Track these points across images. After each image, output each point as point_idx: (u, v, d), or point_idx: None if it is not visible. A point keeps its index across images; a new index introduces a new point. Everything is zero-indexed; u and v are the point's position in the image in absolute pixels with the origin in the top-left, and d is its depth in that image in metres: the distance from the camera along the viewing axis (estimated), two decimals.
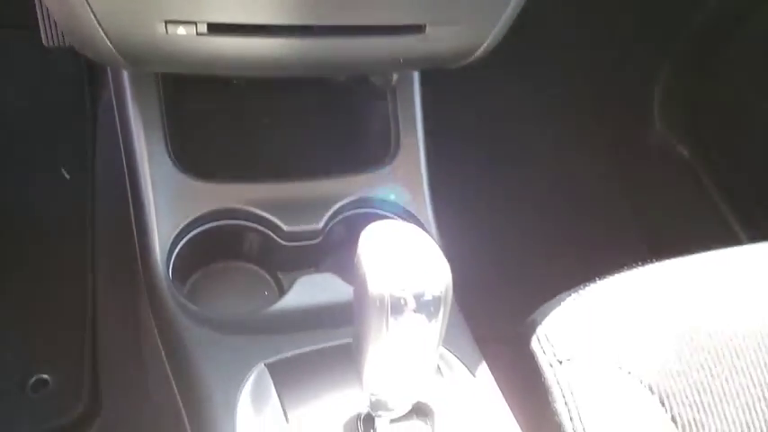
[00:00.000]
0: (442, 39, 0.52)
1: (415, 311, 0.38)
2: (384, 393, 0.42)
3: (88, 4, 0.43)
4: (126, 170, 0.62)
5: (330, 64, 0.53)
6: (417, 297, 0.38)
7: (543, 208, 1.23)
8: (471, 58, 0.56)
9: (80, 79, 1.02)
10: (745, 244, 0.75)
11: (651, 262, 0.69)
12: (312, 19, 0.47)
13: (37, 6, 0.88)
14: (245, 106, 0.66)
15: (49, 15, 0.83)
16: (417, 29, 0.51)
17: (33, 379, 0.88)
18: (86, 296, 0.93)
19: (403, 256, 0.38)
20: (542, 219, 1.22)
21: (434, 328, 0.39)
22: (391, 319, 0.38)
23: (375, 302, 0.37)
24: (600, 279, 0.66)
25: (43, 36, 0.89)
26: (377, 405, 0.43)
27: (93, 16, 0.43)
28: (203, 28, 0.45)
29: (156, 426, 0.69)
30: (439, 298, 0.38)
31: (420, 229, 0.40)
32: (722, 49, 1.28)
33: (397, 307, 0.37)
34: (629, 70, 1.38)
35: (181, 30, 0.45)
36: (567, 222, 1.24)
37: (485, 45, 0.55)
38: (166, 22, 0.44)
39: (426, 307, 0.38)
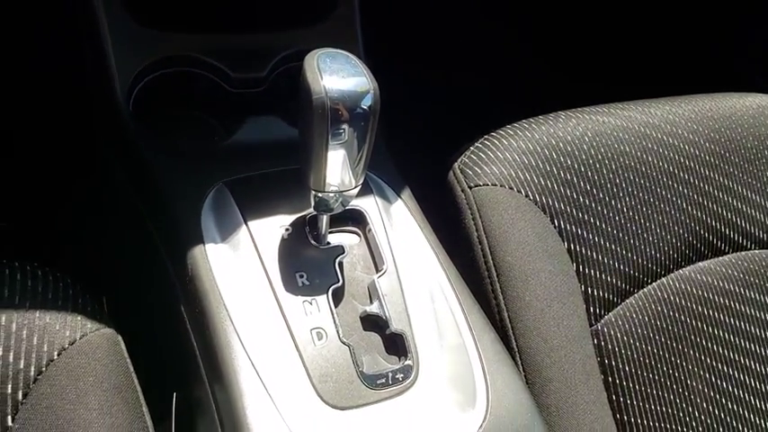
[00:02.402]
0: None
1: (349, 123, 0.47)
2: (325, 193, 0.52)
3: None
4: (83, 19, 0.66)
5: None
6: (351, 109, 0.47)
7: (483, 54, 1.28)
8: None
9: None
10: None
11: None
12: None
13: None
14: None
15: None
16: None
17: None
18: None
19: (339, 76, 0.47)
20: (491, 68, 1.27)
21: (366, 136, 0.49)
22: (331, 127, 0.47)
23: (318, 112, 0.46)
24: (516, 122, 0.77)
25: None
26: (319, 204, 0.53)
27: None
28: None
29: (127, 260, 0.78)
30: (369, 110, 0.47)
31: (354, 56, 0.49)
32: None
33: (335, 116, 0.47)
34: None
35: None
36: (514, 72, 1.30)
37: None
38: None
39: (359, 118, 0.47)
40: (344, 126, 0.47)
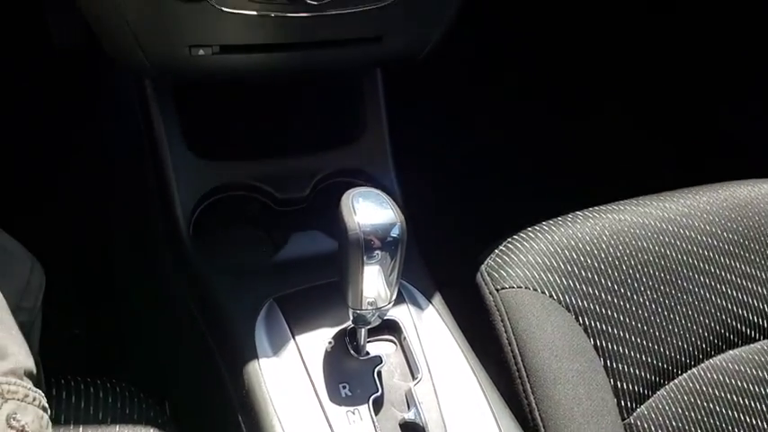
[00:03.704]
0: (395, 45, 0.68)
1: (380, 249, 0.55)
2: (362, 310, 0.58)
3: (134, 33, 0.58)
4: (151, 156, 0.77)
5: (311, 69, 0.68)
6: (382, 239, 0.54)
7: (496, 163, 1.38)
8: (418, 58, 0.72)
9: (82, 69, 1.15)
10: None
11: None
12: (296, 38, 0.62)
13: (48, 13, 1.02)
14: (243, 98, 0.81)
15: (59, 21, 0.97)
16: (377, 40, 0.67)
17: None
18: (103, 262, 1.07)
19: (371, 212, 0.55)
20: (495, 173, 1.37)
21: (395, 260, 0.56)
22: (365, 256, 0.54)
23: (353, 244, 0.54)
24: (536, 224, 0.83)
25: (55, 38, 1.03)
26: (357, 319, 0.59)
27: (136, 42, 0.58)
28: (217, 49, 0.60)
29: (184, 364, 0.85)
30: (397, 239, 0.55)
31: (383, 192, 0.57)
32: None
33: (368, 247, 0.54)
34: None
35: (200, 51, 0.60)
36: (526, 170, 1.40)
37: (428, 48, 0.71)
38: (190, 46, 0.59)
39: (388, 246, 0.55)
40: (377, 252, 0.55)
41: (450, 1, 0.67)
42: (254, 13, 0.58)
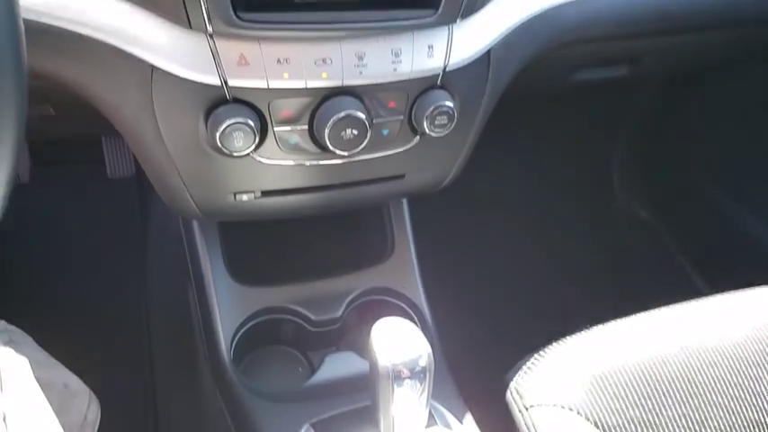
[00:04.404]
0: (417, 180, 0.75)
1: (410, 378, 0.58)
2: None
3: (185, 184, 0.65)
4: (194, 282, 0.83)
5: (343, 205, 0.75)
6: (411, 369, 0.58)
7: (523, 275, 1.43)
8: (439, 188, 0.79)
9: (133, 199, 1.25)
10: (706, 293, 0.94)
11: (618, 316, 0.89)
12: (328, 181, 0.69)
13: (104, 148, 1.13)
14: (279, 228, 0.88)
15: (113, 154, 1.07)
16: (401, 176, 0.73)
17: None
18: (146, 386, 1.12)
19: (399, 344, 0.59)
20: (525, 283, 1.41)
21: (424, 387, 0.59)
22: (395, 385, 0.58)
23: (384, 375, 0.58)
24: (569, 335, 0.86)
25: (108, 170, 1.13)
26: None
27: (187, 192, 0.66)
28: (258, 194, 0.68)
29: None
30: (424, 368, 0.58)
31: (410, 323, 0.61)
32: (663, 129, 1.52)
33: (397, 377, 0.58)
34: (588, 151, 1.62)
35: (244, 197, 0.67)
36: (544, 285, 1.44)
37: (447, 180, 0.78)
38: (235, 193, 0.67)
39: (417, 375, 0.58)
40: (406, 381, 0.58)
41: (464, 142, 0.74)
42: (291, 162, 0.65)
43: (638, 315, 0.89)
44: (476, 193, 1.47)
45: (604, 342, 0.84)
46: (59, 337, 0.71)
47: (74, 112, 0.67)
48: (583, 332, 0.87)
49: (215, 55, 0.56)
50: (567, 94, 1.27)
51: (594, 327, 0.87)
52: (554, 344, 0.85)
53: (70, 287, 1.24)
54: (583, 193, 1.61)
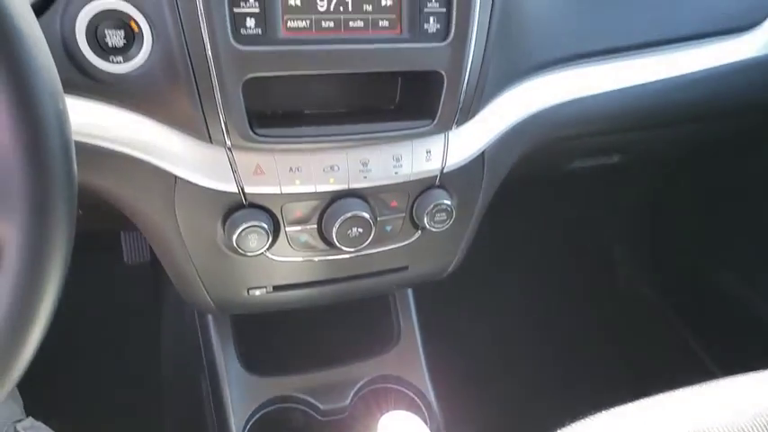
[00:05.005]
0: (420, 271, 0.79)
1: None
2: None
3: (201, 280, 0.70)
4: (207, 372, 0.86)
5: (350, 296, 0.79)
6: None
7: (531, 356, 1.45)
8: (442, 277, 0.83)
9: (148, 285, 1.29)
10: (716, 375, 0.95)
11: (629, 400, 0.90)
12: (335, 275, 0.74)
13: (123, 238, 1.18)
14: (289, 319, 0.92)
15: (131, 244, 1.12)
16: (404, 268, 0.78)
17: None
18: None
19: None
20: (531, 366, 1.43)
21: None
22: None
23: None
24: (575, 418, 0.87)
25: (125, 256, 1.18)
26: None
27: (204, 288, 0.70)
28: (270, 289, 0.72)
29: None
30: None
31: (416, 417, 0.64)
32: (663, 207, 1.57)
33: None
34: (590, 230, 1.66)
35: (257, 292, 0.71)
36: (553, 367, 1.45)
37: (450, 269, 0.82)
38: (248, 289, 0.71)
39: None
40: None
41: (464, 234, 0.79)
42: (301, 259, 0.70)
43: (646, 399, 0.90)
44: (479, 274, 1.51)
45: (610, 428, 0.85)
46: (75, 425, 0.73)
47: (100, 212, 0.73)
48: (589, 418, 0.88)
49: (233, 166, 0.62)
50: (565, 179, 1.33)
51: (600, 412, 0.88)
52: (568, 425, 0.86)
53: (85, 374, 1.27)
54: (587, 273, 1.65)
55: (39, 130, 0.38)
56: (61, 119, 0.40)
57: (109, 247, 1.25)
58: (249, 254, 0.65)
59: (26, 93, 0.37)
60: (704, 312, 1.51)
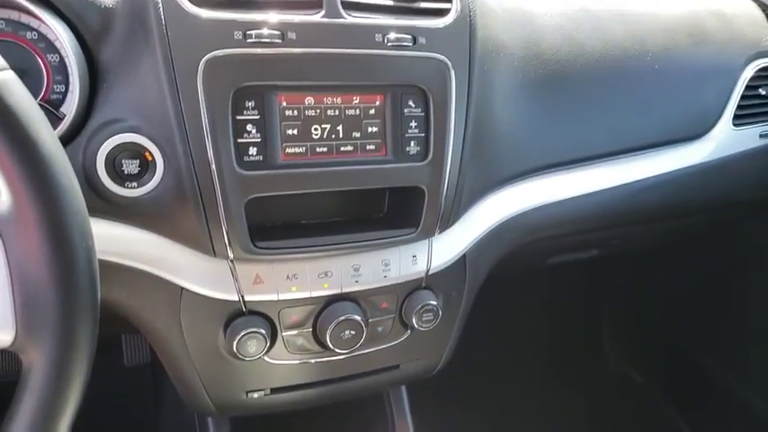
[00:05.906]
0: (411, 369, 0.83)
1: None
2: None
3: (203, 384, 0.74)
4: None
5: (344, 396, 0.83)
6: None
7: None
8: (432, 374, 0.87)
9: (148, 386, 1.31)
10: None
11: None
12: (329, 375, 0.77)
13: (123, 341, 1.21)
14: (285, 418, 0.94)
15: (131, 346, 1.15)
16: (395, 367, 0.82)
17: None
18: None
19: None
20: None
21: None
22: None
23: None
24: None
25: (125, 359, 1.21)
26: None
27: (205, 391, 0.74)
28: (268, 391, 0.76)
29: None
30: None
31: None
32: (647, 294, 1.62)
33: None
34: (576, 317, 1.71)
35: (255, 395, 0.75)
36: None
37: (440, 366, 0.86)
38: (247, 392, 0.75)
39: None
40: None
41: (451, 332, 0.84)
42: (297, 362, 0.74)
43: None
44: (470, 366, 1.53)
45: None
46: None
47: (107, 320, 0.77)
48: None
49: (234, 276, 0.68)
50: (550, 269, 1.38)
51: None
52: None
53: None
54: (575, 360, 1.68)
55: (71, 268, 0.44)
56: (90, 256, 0.46)
57: (107, 349, 1.28)
58: (248, 358, 0.69)
59: (62, 236, 0.44)
60: (691, 396, 1.54)
